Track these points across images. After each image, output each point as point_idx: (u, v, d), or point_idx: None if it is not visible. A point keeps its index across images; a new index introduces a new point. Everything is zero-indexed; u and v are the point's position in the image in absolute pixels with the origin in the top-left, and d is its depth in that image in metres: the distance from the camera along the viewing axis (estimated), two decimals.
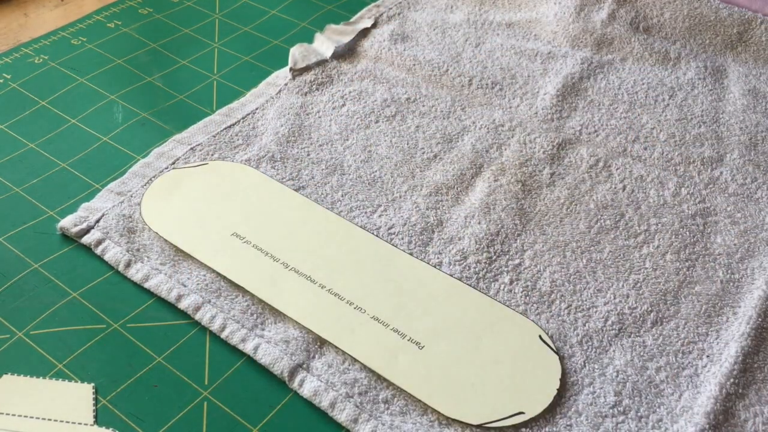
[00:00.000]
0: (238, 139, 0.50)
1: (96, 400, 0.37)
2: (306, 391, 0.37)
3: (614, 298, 0.41)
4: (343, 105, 0.54)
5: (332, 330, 0.39)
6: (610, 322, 0.40)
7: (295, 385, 0.37)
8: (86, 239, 0.44)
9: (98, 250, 0.43)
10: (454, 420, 0.36)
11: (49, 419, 0.36)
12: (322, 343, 0.39)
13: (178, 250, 0.43)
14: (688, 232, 0.45)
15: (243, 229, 0.44)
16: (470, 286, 0.42)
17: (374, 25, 0.61)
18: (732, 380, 0.37)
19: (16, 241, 0.44)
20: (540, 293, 0.41)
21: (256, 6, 0.65)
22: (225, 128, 0.51)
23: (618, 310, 0.41)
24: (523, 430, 0.36)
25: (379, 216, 0.46)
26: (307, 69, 0.56)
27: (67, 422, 0.35)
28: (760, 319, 0.40)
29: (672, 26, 0.60)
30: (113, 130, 0.52)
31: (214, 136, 0.50)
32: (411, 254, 0.43)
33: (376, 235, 0.44)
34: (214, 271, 0.42)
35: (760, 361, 0.38)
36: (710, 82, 0.56)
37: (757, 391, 0.37)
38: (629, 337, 0.40)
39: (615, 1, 0.61)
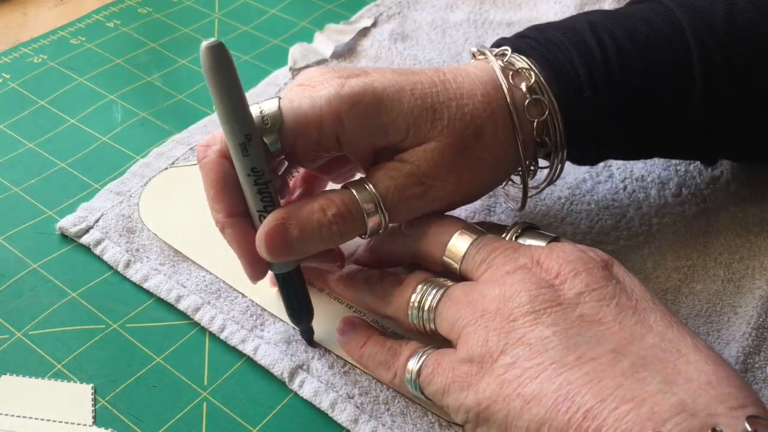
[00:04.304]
0: None
1: (95, 400, 0.37)
2: (306, 392, 0.37)
3: None
4: None
5: (332, 335, 0.39)
6: None
7: (295, 385, 0.37)
8: (85, 239, 0.43)
9: (97, 250, 0.43)
10: (454, 423, 0.36)
11: (48, 420, 0.36)
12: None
13: (177, 251, 0.43)
14: (689, 232, 0.45)
15: None
16: None
17: (374, 25, 0.61)
18: None
19: (15, 241, 0.44)
20: None
21: (256, 5, 0.65)
22: None
23: None
24: None
25: None
26: (306, 68, 0.56)
27: (66, 423, 0.35)
28: (761, 319, 0.40)
29: None
30: (112, 130, 0.52)
31: None
32: None
33: None
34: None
35: (761, 361, 0.38)
36: None
37: (758, 391, 0.37)
38: None
39: (615, 0, 0.61)
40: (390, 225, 0.36)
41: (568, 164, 0.49)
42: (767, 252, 0.43)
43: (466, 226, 0.36)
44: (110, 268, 0.42)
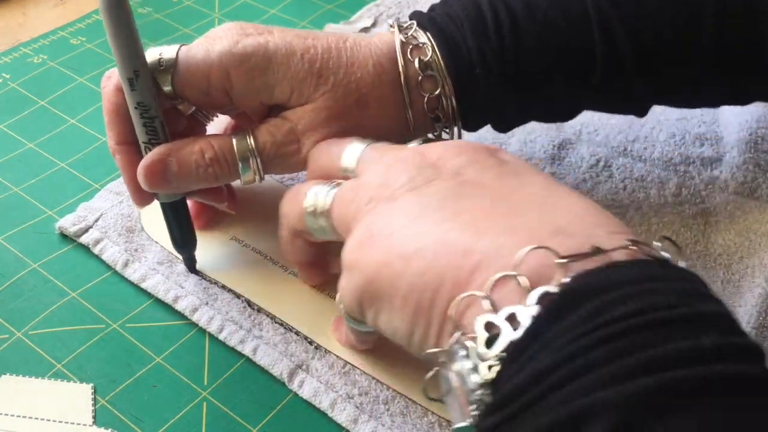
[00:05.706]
0: None
1: (95, 400, 0.37)
2: (305, 392, 0.37)
3: None
4: None
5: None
6: None
7: (294, 385, 0.37)
8: (84, 239, 0.43)
9: (96, 250, 0.43)
10: None
11: (48, 419, 0.36)
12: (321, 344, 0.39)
13: (176, 256, 0.43)
14: (688, 232, 0.45)
15: (242, 233, 0.44)
16: None
17: (374, 25, 0.61)
18: None
19: (15, 241, 0.44)
20: None
21: (256, 5, 0.65)
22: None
23: None
24: None
25: None
26: None
27: (66, 422, 0.35)
28: (761, 318, 0.40)
29: None
30: None
31: None
32: None
33: None
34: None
35: None
36: None
37: None
38: None
39: None
40: (265, 176, 0.39)
41: (567, 165, 0.49)
42: (766, 251, 0.43)
43: (359, 138, 0.37)
44: (110, 267, 0.42)
